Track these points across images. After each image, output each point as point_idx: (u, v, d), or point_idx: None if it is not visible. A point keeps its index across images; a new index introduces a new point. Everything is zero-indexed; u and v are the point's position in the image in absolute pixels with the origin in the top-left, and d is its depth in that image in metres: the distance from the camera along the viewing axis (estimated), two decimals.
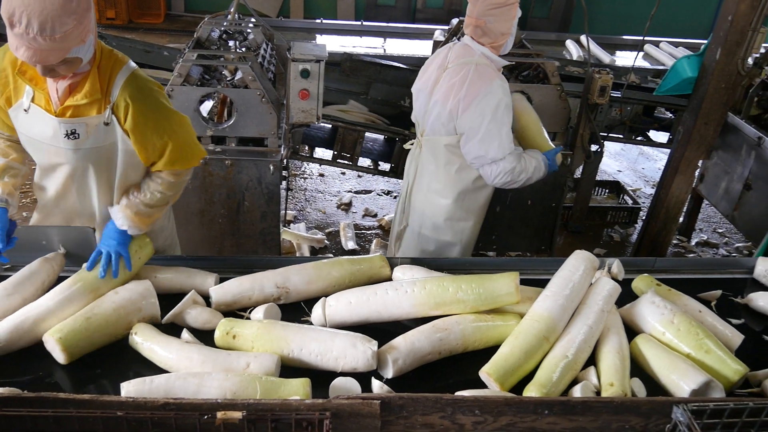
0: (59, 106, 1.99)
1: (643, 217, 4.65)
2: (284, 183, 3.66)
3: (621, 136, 4.84)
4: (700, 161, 3.80)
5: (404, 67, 4.78)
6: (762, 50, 4.61)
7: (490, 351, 1.91)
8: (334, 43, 5.24)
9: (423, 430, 1.64)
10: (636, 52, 4.50)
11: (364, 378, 1.82)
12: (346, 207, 5.18)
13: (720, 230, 5.37)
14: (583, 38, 5.64)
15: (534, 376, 1.83)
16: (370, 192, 5.44)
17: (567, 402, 1.65)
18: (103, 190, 2.20)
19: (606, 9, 8.99)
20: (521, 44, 4.08)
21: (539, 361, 1.87)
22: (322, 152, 5.14)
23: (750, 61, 4.37)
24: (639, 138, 5.04)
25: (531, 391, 1.78)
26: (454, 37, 4.15)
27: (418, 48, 5.15)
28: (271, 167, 3.25)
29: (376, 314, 2.00)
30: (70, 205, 2.25)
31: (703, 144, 3.59)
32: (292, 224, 4.83)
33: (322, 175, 5.67)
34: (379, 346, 1.86)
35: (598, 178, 5.69)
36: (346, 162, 4.50)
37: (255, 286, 2.07)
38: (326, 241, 4.63)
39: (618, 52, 5.35)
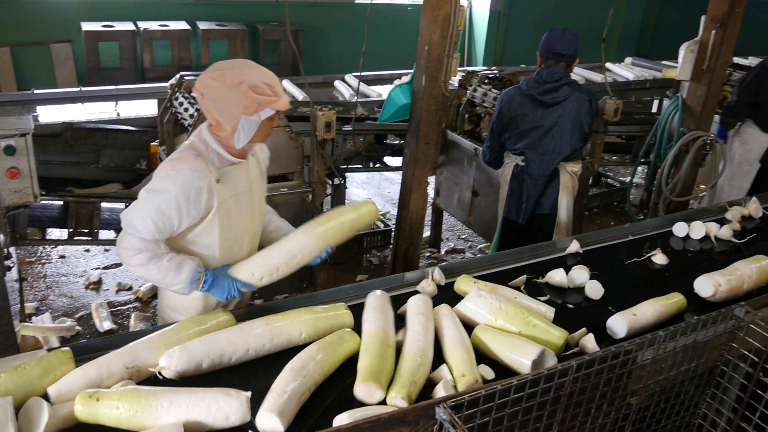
0: None
1: None
2: (12, 274, 3.27)
3: (360, 165, 5.11)
4: (430, 178, 4.14)
5: (134, 129, 4.58)
6: (462, 73, 5.19)
7: (341, 372, 2.11)
8: (57, 113, 4.84)
9: None
10: (357, 86, 4.80)
11: None
12: (96, 286, 4.78)
13: (463, 236, 5.90)
14: (347, 77, 6.06)
15: (392, 384, 1.99)
16: (120, 265, 5.09)
17: (338, 431, 1.67)
18: None
19: (332, 49, 9.49)
20: None
21: (393, 365, 2.07)
22: (58, 232, 4.70)
23: (456, 82, 4.91)
24: (377, 165, 5.37)
25: (394, 394, 1.93)
26: (177, 91, 4.07)
27: (152, 108, 4.97)
28: None
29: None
30: None
31: (428, 162, 3.92)
32: (34, 317, 4.33)
33: (63, 257, 5.17)
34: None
35: None
36: (85, 238, 4.16)
37: (102, 373, 1.88)
38: (78, 327, 4.22)
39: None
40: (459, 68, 5.95)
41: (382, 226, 5.67)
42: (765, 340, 2.50)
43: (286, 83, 5.66)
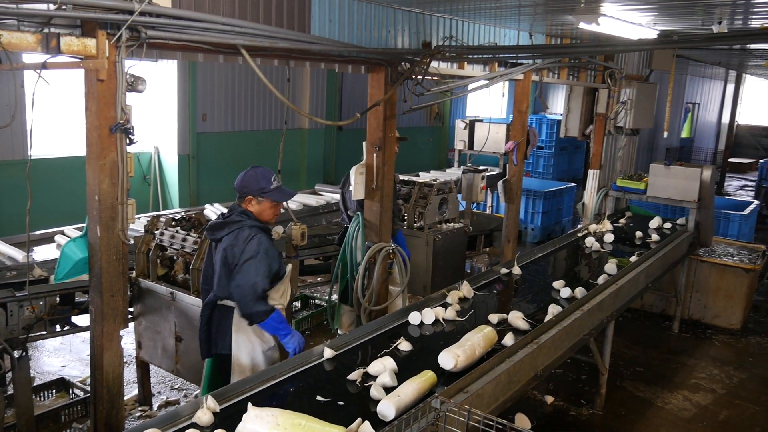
0: None
1: None
2: None
3: (44, 332, 4.59)
4: (124, 331, 3.86)
5: None
6: (148, 218, 5.09)
7: None
8: None
9: None
10: (27, 243, 4.42)
11: None
12: None
13: (176, 386, 5.56)
14: (69, 229, 5.81)
15: None
16: None
17: None
18: None
19: (7, 209, 8.64)
20: None
21: None
22: None
23: (141, 228, 4.76)
24: (66, 327, 4.88)
25: None
26: None
27: None
28: None
29: None
30: None
31: (118, 316, 3.66)
32: None
33: None
34: None
35: (40, 381, 5.29)
36: None
37: None
38: None
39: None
40: (152, 213, 5.85)
41: (82, 394, 5.10)
42: (463, 425, 2.73)
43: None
